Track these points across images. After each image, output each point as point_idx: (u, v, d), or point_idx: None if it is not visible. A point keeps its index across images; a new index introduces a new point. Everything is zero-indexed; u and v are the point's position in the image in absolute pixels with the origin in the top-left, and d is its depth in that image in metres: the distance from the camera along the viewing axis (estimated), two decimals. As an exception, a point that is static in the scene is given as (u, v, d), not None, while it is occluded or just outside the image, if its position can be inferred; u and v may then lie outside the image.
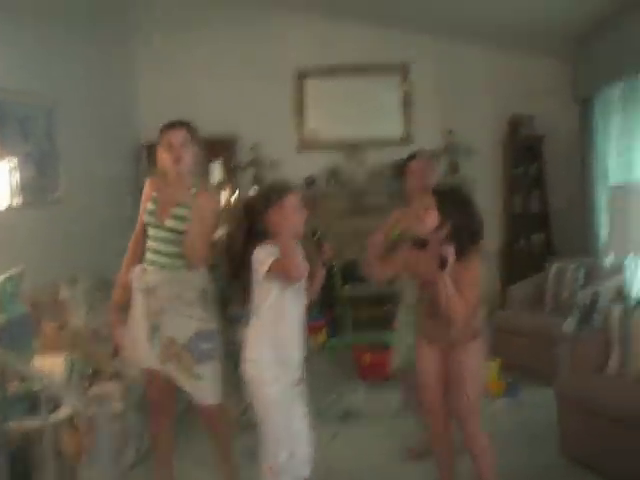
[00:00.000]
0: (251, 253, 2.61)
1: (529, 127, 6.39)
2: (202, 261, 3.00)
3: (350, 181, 6.50)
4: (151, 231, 3.04)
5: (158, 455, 3.28)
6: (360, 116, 6.55)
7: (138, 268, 3.05)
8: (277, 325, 2.65)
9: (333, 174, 6.51)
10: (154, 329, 2.98)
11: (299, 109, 6.62)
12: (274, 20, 6.40)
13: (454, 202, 2.80)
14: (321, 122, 6.61)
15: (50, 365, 3.26)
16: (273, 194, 2.69)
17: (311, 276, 2.73)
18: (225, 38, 6.43)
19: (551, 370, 4.39)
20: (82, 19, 5.25)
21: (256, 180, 6.37)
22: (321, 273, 2.79)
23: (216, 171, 6.33)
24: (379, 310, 5.94)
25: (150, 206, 3.06)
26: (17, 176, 4.11)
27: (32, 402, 2.98)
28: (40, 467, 2.96)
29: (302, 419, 2.72)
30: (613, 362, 3.61)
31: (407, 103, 6.59)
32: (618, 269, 4.92)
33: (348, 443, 3.95)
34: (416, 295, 3.07)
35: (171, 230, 2.97)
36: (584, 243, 5.69)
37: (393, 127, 6.60)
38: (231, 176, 6.31)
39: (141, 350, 3.03)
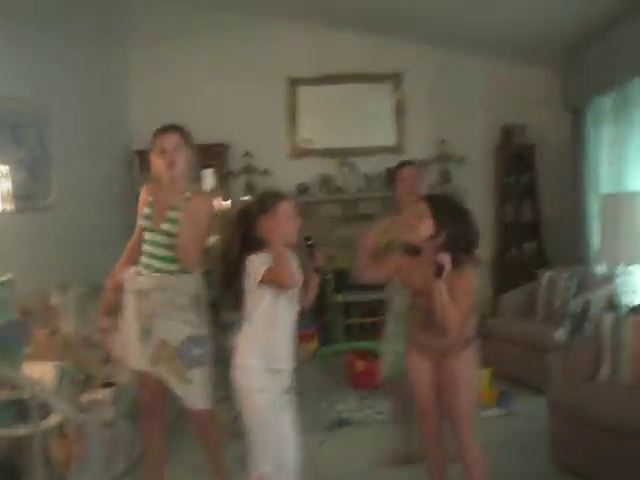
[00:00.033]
0: (245, 261, 2.61)
1: (521, 136, 6.42)
2: (195, 263, 2.99)
3: (342, 189, 6.51)
4: (147, 235, 3.04)
5: (149, 463, 3.26)
6: (353, 124, 6.57)
7: (132, 270, 3.06)
8: (269, 332, 2.64)
9: (325, 182, 6.52)
10: (146, 332, 2.98)
11: (292, 116, 6.62)
12: (268, 28, 6.40)
13: (450, 211, 2.80)
14: (314, 130, 6.62)
15: (40, 372, 3.23)
16: (267, 201, 2.69)
17: (305, 284, 2.74)
18: (218, 45, 6.43)
19: (543, 378, 4.40)
20: (74, 25, 5.25)
21: (248, 187, 6.37)
22: (315, 281, 2.78)
23: (208, 178, 6.35)
24: (371, 318, 5.96)
25: (146, 210, 3.07)
26: (9, 182, 4.10)
27: (22, 409, 2.94)
28: (29, 474, 2.94)
29: (290, 427, 2.72)
30: (605, 370, 3.61)
31: (400, 111, 6.62)
32: (610, 278, 4.93)
33: (337, 449, 3.94)
34: (407, 303, 3.06)
35: (166, 233, 2.97)
36: (576, 252, 5.71)
37: (386, 135, 6.62)
38: (223, 183, 6.32)
39: (133, 352, 3.03)
